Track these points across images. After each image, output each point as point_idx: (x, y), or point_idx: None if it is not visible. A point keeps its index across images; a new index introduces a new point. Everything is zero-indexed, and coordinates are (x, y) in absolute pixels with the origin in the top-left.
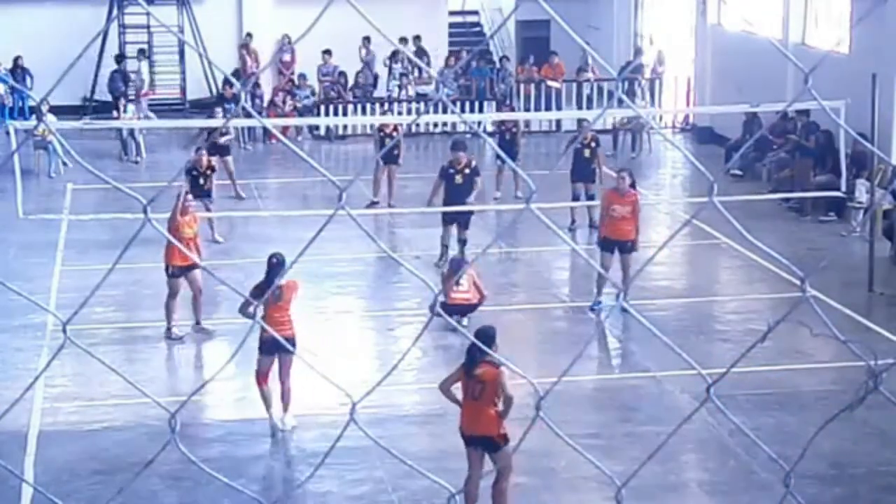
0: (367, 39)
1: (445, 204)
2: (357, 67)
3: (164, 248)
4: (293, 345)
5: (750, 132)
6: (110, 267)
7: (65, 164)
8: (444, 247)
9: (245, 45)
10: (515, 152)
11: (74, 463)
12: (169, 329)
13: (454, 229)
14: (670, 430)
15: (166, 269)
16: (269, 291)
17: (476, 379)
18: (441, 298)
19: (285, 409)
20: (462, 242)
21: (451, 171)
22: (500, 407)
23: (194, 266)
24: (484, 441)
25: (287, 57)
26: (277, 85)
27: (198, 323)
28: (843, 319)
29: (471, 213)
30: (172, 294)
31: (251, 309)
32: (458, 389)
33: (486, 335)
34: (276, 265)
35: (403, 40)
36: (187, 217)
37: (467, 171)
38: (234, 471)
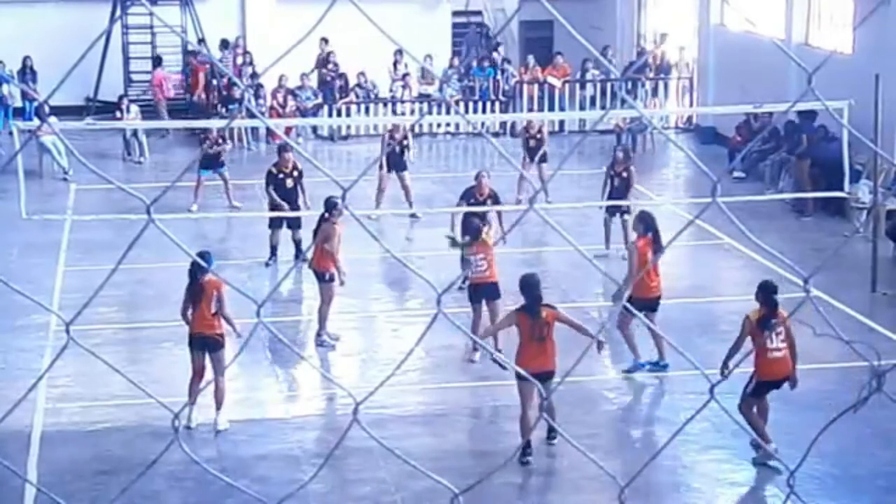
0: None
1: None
2: (358, 68)
3: (313, 257)
4: (219, 344)
5: (748, 132)
6: (114, 267)
7: (65, 171)
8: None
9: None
10: (542, 155)
11: (77, 463)
12: (319, 335)
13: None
14: (673, 430)
15: (322, 275)
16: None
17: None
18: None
19: (218, 407)
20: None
21: (473, 201)
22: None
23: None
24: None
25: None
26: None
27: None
28: (847, 320)
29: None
30: (327, 300)
31: (189, 314)
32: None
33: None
34: (196, 264)
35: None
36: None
37: (489, 201)
38: (237, 471)
